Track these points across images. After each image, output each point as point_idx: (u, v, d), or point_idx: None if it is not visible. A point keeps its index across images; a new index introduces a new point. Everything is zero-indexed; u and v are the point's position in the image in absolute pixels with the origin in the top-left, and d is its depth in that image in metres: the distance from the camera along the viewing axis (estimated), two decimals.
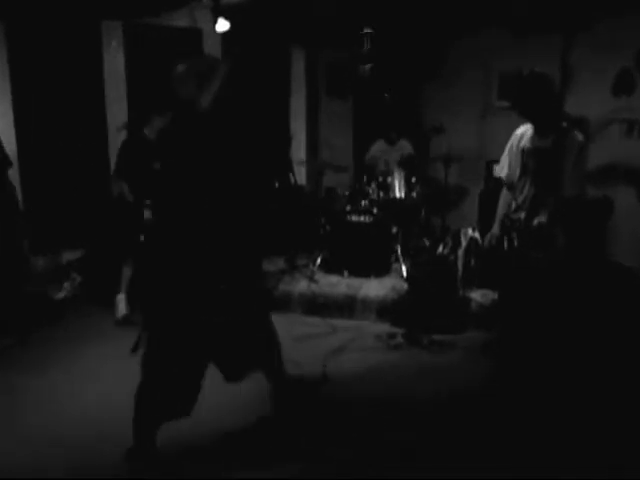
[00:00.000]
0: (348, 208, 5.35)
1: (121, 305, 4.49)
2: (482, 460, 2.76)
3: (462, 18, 5.89)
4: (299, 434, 2.95)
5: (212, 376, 2.71)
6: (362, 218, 5.25)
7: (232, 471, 2.68)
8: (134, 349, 3.90)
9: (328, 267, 5.26)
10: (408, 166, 5.59)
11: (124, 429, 2.61)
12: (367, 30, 5.56)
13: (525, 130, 3.48)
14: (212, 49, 5.74)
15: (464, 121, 6.27)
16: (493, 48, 5.92)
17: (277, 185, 5.42)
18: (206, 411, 2.75)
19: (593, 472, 2.63)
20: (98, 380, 3.55)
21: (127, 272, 4.51)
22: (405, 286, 4.66)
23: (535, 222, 3.35)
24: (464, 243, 4.75)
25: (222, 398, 3.10)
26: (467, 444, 2.88)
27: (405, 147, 6.01)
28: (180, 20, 5.64)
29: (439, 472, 2.68)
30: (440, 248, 4.92)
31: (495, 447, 2.86)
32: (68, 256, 5.13)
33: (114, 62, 5.51)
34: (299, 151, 6.31)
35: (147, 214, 4.33)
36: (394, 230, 5.34)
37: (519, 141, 3.49)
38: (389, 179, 5.44)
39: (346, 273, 5.18)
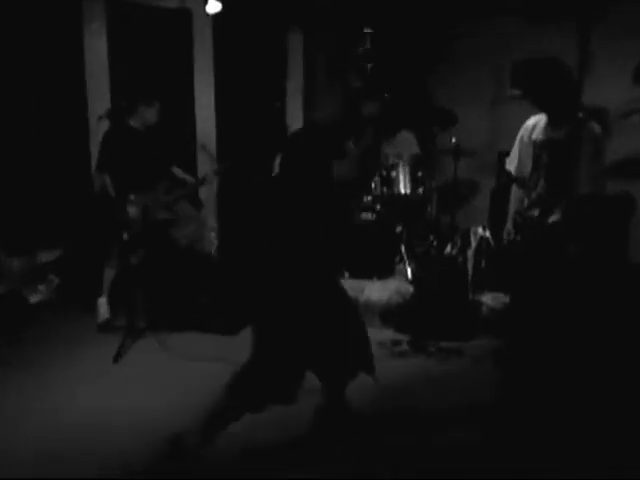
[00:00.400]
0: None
1: (102, 309, 4.50)
2: (483, 460, 2.85)
3: (473, 4, 5.90)
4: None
5: None
6: (364, 215, 5.25)
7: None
8: (117, 358, 3.94)
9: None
10: (414, 162, 5.58)
11: (96, 443, 2.80)
12: (367, 30, 5.55)
13: (537, 120, 3.48)
14: (202, 32, 5.74)
15: (475, 110, 6.27)
16: (505, 35, 5.92)
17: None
18: None
19: (593, 472, 2.73)
20: (74, 390, 3.56)
21: (109, 274, 4.52)
22: (410, 289, 4.66)
23: (549, 220, 3.36)
24: (474, 243, 4.76)
25: None
26: (469, 446, 2.96)
27: (406, 140, 5.97)
28: (168, 0, 5.63)
29: (439, 473, 2.77)
30: (448, 248, 4.93)
31: (496, 448, 2.95)
32: (45, 256, 5.13)
33: (96, 45, 5.49)
34: None
35: (131, 211, 4.34)
36: (398, 228, 5.34)
37: (530, 132, 3.49)
38: (393, 173, 5.43)
39: (346, 274, 5.18)
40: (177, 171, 4.77)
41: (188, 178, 4.80)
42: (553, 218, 3.35)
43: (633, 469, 2.78)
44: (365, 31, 5.45)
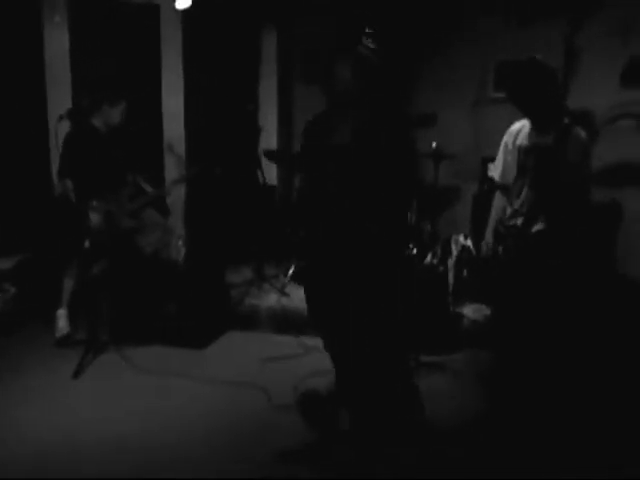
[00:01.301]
0: None
1: (62, 322, 4.43)
2: (481, 461, 2.97)
3: (456, 4, 5.95)
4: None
5: None
6: None
7: None
8: (76, 374, 3.88)
9: (302, 278, 5.24)
10: None
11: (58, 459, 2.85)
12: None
13: (522, 126, 3.50)
14: (171, 28, 5.71)
15: (457, 113, 6.30)
16: (489, 35, 5.96)
17: (243, 184, 5.40)
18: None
19: (593, 472, 2.84)
20: (31, 409, 3.50)
21: (69, 284, 4.45)
22: None
23: (534, 229, 3.38)
24: (455, 252, 4.77)
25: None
26: (463, 455, 3.05)
27: None
28: None
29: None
30: (428, 257, 4.93)
31: (493, 449, 3.06)
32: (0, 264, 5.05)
33: (57, 41, 5.44)
34: (269, 145, 6.29)
35: (93, 217, 4.28)
36: None
37: (515, 138, 3.51)
38: None
39: None
40: (138, 179, 4.69)
41: (147, 188, 4.70)
42: (537, 227, 3.37)
43: (633, 468, 2.89)
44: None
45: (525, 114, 3.43)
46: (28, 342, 4.43)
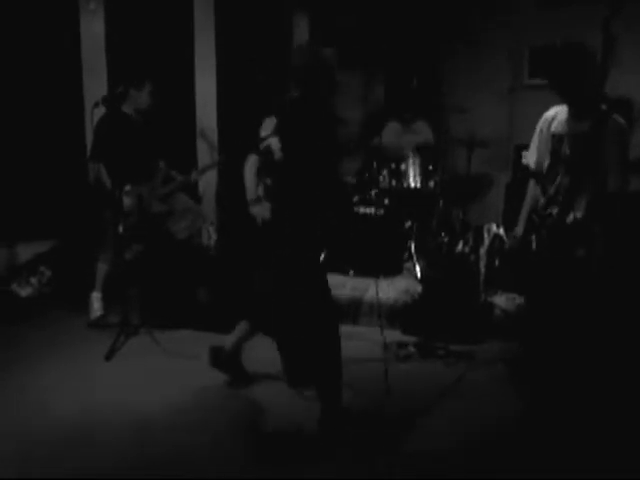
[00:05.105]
0: (355, 198, 5.31)
1: (96, 305, 4.50)
2: (489, 466, 2.90)
3: None
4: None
5: None
6: (371, 210, 5.22)
7: None
8: (109, 355, 3.92)
9: (331, 265, 5.23)
10: (425, 154, 5.54)
11: (91, 438, 2.93)
12: None
13: (556, 113, 3.43)
14: (204, 13, 5.70)
15: (491, 100, 6.22)
16: (523, 20, 5.86)
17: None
18: None
19: (593, 473, 2.78)
20: (66, 388, 3.55)
21: (102, 268, 4.50)
22: (419, 288, 4.63)
23: (570, 218, 3.30)
24: (487, 241, 4.72)
25: None
26: (475, 451, 3.01)
27: (422, 130, 5.94)
28: None
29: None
30: (460, 246, 4.90)
31: (499, 451, 3.01)
32: (36, 248, 5.12)
33: (92, 27, 5.48)
34: None
35: (127, 201, 4.32)
36: (407, 224, 5.30)
37: (550, 124, 3.44)
38: (403, 166, 5.39)
39: (351, 272, 5.16)
40: (161, 165, 4.70)
41: (174, 174, 4.72)
42: (576, 215, 3.29)
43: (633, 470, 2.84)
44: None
45: (563, 100, 3.35)
46: (62, 323, 4.51)
